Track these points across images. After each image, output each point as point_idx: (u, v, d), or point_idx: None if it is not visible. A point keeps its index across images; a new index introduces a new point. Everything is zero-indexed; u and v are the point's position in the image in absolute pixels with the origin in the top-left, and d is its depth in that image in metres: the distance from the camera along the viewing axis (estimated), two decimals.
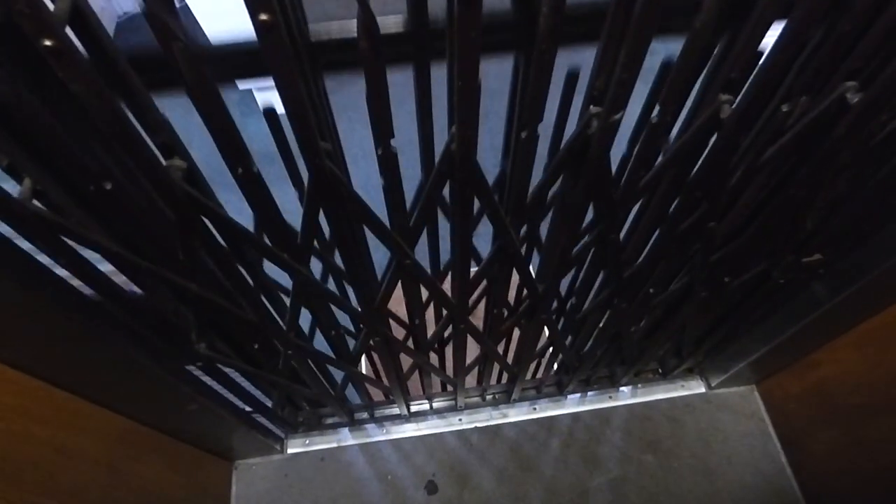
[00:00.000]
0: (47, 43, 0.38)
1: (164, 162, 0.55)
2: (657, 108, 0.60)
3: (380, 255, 0.77)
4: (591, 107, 0.59)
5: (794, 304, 1.11)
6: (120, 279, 0.73)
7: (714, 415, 1.46)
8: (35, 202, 0.55)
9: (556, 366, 1.43)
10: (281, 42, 0.40)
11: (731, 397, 1.49)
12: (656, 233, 0.84)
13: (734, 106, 0.62)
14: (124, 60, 0.46)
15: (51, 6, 0.38)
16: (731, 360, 1.38)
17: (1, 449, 0.67)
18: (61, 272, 0.64)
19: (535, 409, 1.48)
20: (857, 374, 1.13)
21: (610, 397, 1.49)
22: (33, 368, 0.70)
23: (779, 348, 1.22)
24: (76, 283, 0.66)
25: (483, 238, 0.81)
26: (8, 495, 0.67)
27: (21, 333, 0.64)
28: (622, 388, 1.51)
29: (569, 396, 1.50)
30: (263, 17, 0.39)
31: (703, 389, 1.50)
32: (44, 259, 0.62)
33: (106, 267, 0.70)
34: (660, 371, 1.51)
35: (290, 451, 1.44)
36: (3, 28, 0.40)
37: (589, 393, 1.50)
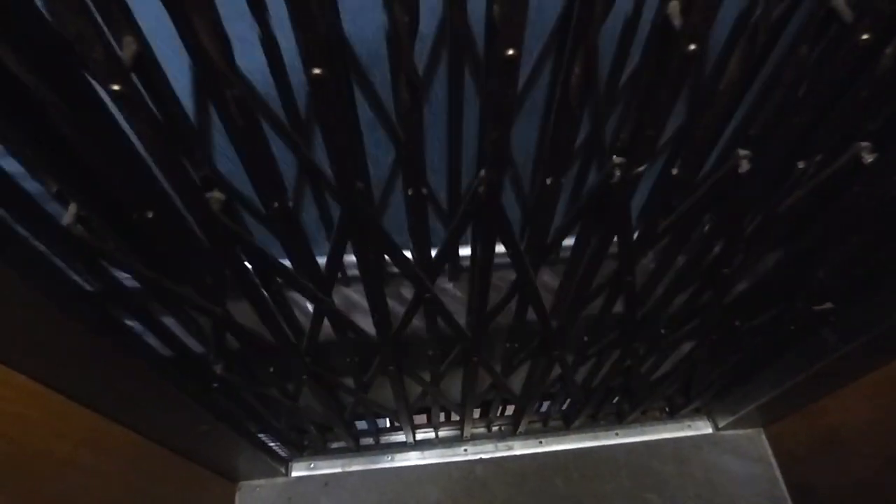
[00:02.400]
0: (115, 87, 0.40)
1: (205, 194, 0.58)
2: (678, 161, 0.62)
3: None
4: (615, 157, 0.61)
5: (805, 350, 1.12)
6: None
7: (721, 456, 1.46)
8: (79, 226, 0.58)
9: (563, 401, 1.43)
10: (331, 95, 0.43)
11: (738, 439, 1.48)
12: (671, 276, 0.86)
13: (751, 161, 0.64)
14: (179, 104, 0.49)
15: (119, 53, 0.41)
16: (740, 403, 1.38)
17: (23, 463, 0.68)
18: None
19: (540, 442, 1.48)
20: (867, 423, 1.13)
21: (616, 434, 1.49)
22: (57, 384, 0.72)
23: (788, 393, 1.22)
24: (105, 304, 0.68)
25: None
26: None
27: (51, 351, 0.66)
28: (629, 426, 1.51)
29: (575, 432, 1.50)
30: (317, 71, 0.41)
31: (710, 430, 1.50)
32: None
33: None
34: (667, 410, 1.51)
35: (294, 474, 1.43)
36: (70, 72, 0.43)
37: (595, 429, 1.50)
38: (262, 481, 1.42)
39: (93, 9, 0.37)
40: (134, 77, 0.42)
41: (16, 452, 0.67)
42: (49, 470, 0.73)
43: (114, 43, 0.40)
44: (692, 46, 0.46)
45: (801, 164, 0.66)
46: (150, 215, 0.56)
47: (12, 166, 0.52)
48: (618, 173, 0.61)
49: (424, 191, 0.59)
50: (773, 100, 0.60)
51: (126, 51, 0.43)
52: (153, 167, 0.55)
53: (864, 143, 0.64)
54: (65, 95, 0.43)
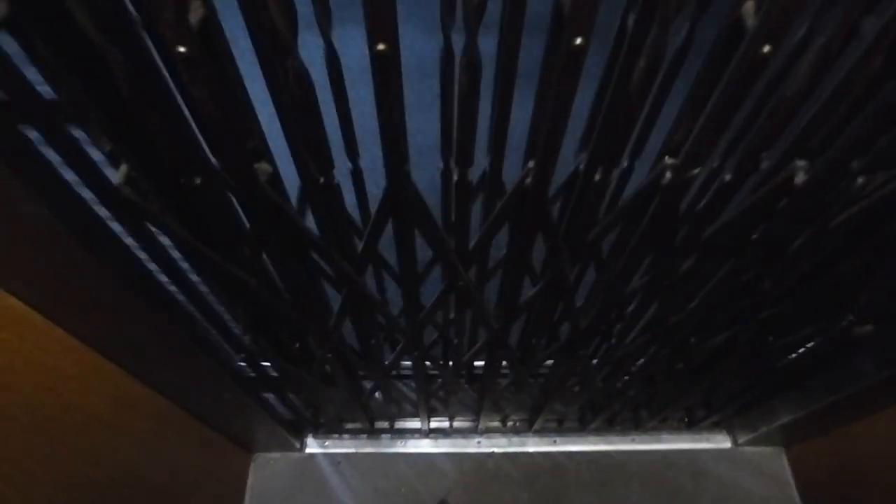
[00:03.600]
0: (182, 49, 0.40)
1: (252, 165, 0.58)
2: (733, 168, 0.60)
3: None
4: (667, 158, 0.60)
5: (837, 373, 1.09)
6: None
7: (738, 473, 1.43)
8: (128, 188, 0.58)
9: (582, 402, 1.42)
10: (397, 69, 0.42)
11: (757, 457, 1.45)
12: (709, 284, 0.84)
13: (809, 172, 0.62)
14: (238, 72, 0.49)
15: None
16: (762, 420, 1.35)
17: (54, 414, 0.70)
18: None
19: (555, 441, 1.47)
20: (894, 454, 1.10)
21: (632, 439, 1.48)
22: (96, 343, 0.73)
23: (814, 415, 1.19)
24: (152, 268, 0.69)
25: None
26: (60, 462, 0.70)
27: (94, 307, 0.67)
28: (645, 433, 1.49)
29: (591, 433, 1.48)
30: (381, 46, 0.41)
31: (728, 445, 1.47)
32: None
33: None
34: (686, 420, 1.49)
35: (308, 450, 1.45)
36: (136, 32, 0.43)
37: (611, 433, 1.48)
38: (276, 454, 1.44)
39: None
40: (199, 40, 0.42)
41: (51, 403, 0.68)
42: (79, 423, 0.75)
43: (184, 4, 0.40)
44: (766, 48, 0.44)
45: (860, 180, 0.64)
46: (197, 181, 0.57)
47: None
48: (669, 175, 0.59)
49: (471, 177, 0.58)
50: (838, 110, 0.58)
51: (193, 14, 0.43)
52: (202, 135, 0.56)
53: None
54: (129, 54, 0.44)
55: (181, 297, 0.76)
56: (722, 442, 1.47)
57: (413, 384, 1.19)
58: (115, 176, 0.58)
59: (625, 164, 0.63)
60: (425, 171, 0.68)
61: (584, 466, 1.44)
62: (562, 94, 0.47)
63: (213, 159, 0.56)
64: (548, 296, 0.84)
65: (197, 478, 1.15)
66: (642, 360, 1.09)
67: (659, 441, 1.47)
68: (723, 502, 1.39)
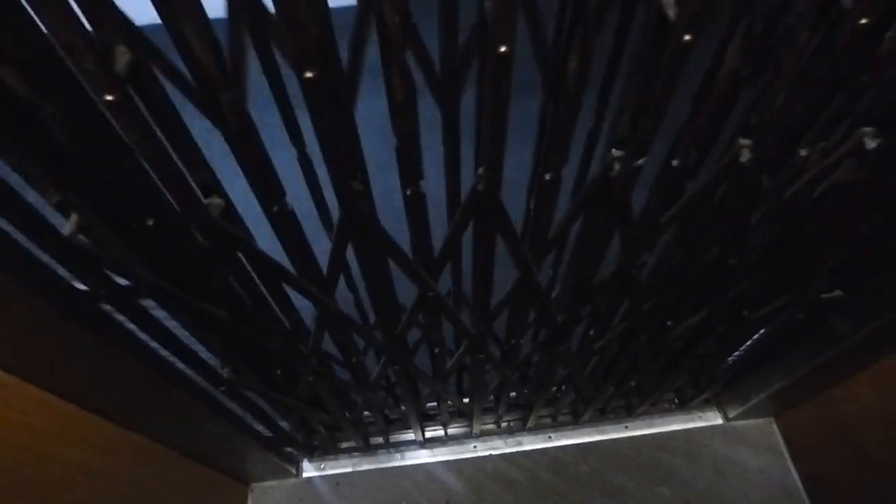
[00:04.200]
0: (109, 98, 0.40)
1: (203, 200, 0.58)
2: (679, 153, 0.62)
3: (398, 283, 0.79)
4: (614, 150, 0.61)
5: (815, 339, 1.11)
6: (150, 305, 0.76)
7: (731, 447, 1.45)
8: (80, 236, 0.58)
9: (572, 395, 1.43)
10: (324, 97, 0.43)
11: (749, 430, 1.47)
12: (676, 268, 0.85)
13: (753, 150, 0.63)
14: (175, 111, 0.49)
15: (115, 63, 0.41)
16: (750, 393, 1.37)
17: (34, 472, 0.69)
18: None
19: (550, 437, 1.48)
20: (878, 410, 1.12)
21: (626, 427, 1.49)
22: (68, 394, 0.72)
23: (798, 382, 1.21)
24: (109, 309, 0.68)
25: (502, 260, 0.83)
26: None
27: (62, 360, 0.67)
28: (638, 418, 1.50)
29: (584, 425, 1.49)
30: (308, 74, 0.41)
31: (720, 421, 1.49)
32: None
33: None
34: (676, 402, 1.51)
35: (305, 474, 1.44)
36: (66, 82, 0.43)
37: (604, 422, 1.49)
38: (273, 482, 1.42)
39: (82, 18, 0.37)
40: (129, 87, 0.42)
41: (30, 461, 0.67)
42: (60, 477, 0.74)
43: (107, 52, 0.40)
44: (687, 37, 0.45)
45: (803, 152, 0.65)
46: (150, 223, 0.57)
47: (11, 177, 0.53)
48: (617, 166, 0.60)
49: (423, 189, 0.58)
50: (772, 87, 0.59)
51: (119, 60, 0.43)
52: (152, 174, 0.55)
53: (867, 129, 0.64)
54: (62, 105, 0.43)
55: (148, 337, 0.75)
56: (714, 419, 1.49)
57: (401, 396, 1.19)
58: (66, 226, 0.57)
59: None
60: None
61: (581, 459, 1.44)
62: (497, 102, 0.47)
63: (162, 199, 0.56)
64: (521, 295, 0.85)
65: None
66: (623, 348, 1.10)
67: (652, 425, 1.48)
68: (719, 477, 1.41)
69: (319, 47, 0.42)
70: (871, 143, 0.64)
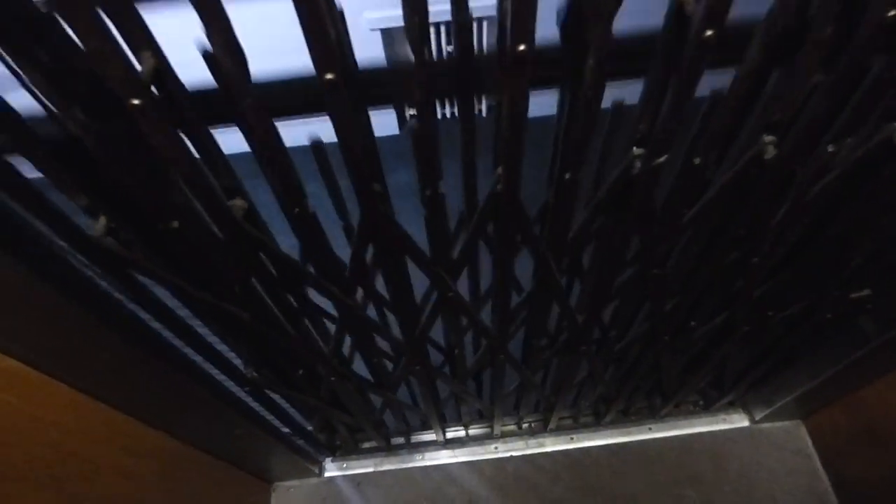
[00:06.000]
0: (135, 102, 0.41)
1: (227, 203, 0.59)
2: (701, 150, 0.61)
3: (417, 283, 0.80)
4: (635, 148, 0.60)
5: (842, 340, 1.09)
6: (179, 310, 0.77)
7: (758, 450, 1.42)
8: (109, 238, 0.59)
9: (594, 396, 1.42)
10: (343, 99, 0.43)
11: (776, 432, 1.44)
12: (700, 267, 0.84)
13: (778, 147, 0.62)
14: (198, 116, 0.50)
15: (139, 68, 0.42)
16: (776, 394, 1.34)
17: (65, 470, 0.71)
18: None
19: (572, 438, 1.47)
20: None
21: (650, 429, 1.47)
22: (96, 392, 0.74)
23: (826, 383, 1.19)
24: (140, 313, 0.70)
25: (522, 261, 0.83)
26: None
27: (91, 361, 0.68)
28: (662, 420, 1.48)
29: (607, 427, 1.48)
30: (329, 76, 0.42)
31: (746, 423, 1.46)
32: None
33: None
34: (701, 403, 1.48)
35: (327, 474, 1.45)
36: (95, 88, 0.44)
37: (628, 424, 1.48)
38: (296, 482, 1.44)
39: (110, 24, 0.38)
40: (153, 90, 0.43)
41: (57, 458, 0.69)
42: (87, 474, 0.75)
43: (132, 58, 0.41)
44: (708, 32, 0.45)
45: (830, 148, 0.64)
46: (175, 225, 0.58)
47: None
48: (638, 164, 0.60)
49: (442, 191, 0.59)
50: (797, 83, 0.58)
51: (144, 66, 0.44)
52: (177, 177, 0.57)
53: None
54: (90, 111, 0.45)
55: (175, 339, 0.77)
56: (739, 421, 1.47)
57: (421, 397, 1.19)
58: (95, 228, 0.59)
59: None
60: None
61: (604, 460, 1.43)
62: (514, 100, 0.47)
63: (186, 202, 0.57)
64: (540, 297, 0.85)
65: None
66: (646, 349, 1.09)
67: (676, 427, 1.46)
68: (745, 480, 1.38)
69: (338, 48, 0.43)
70: None
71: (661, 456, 1.43)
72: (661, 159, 0.57)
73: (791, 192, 0.70)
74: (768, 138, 0.62)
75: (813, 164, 0.66)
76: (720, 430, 1.46)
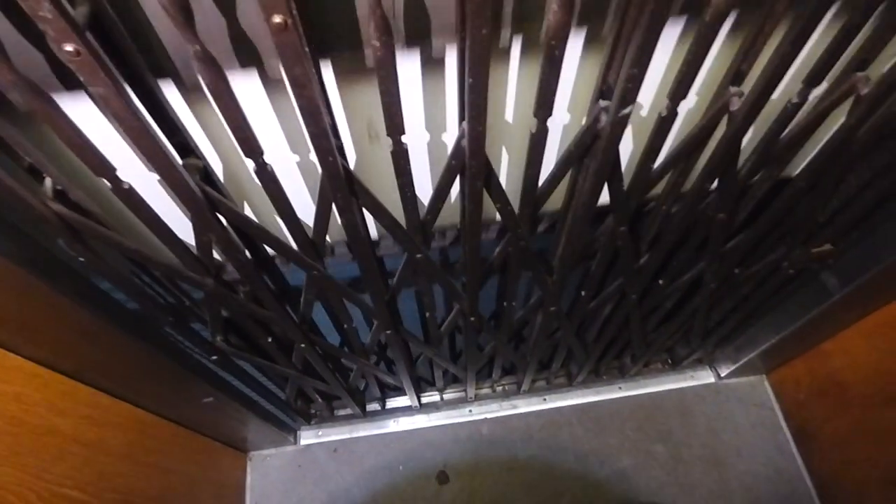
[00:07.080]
0: (68, 48, 0.39)
1: (180, 161, 0.56)
2: (667, 102, 0.60)
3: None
4: (601, 101, 0.59)
5: (805, 295, 1.11)
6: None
7: (724, 405, 1.47)
8: (58, 203, 0.57)
9: (565, 356, 1.44)
10: (295, 44, 0.41)
11: (740, 387, 1.49)
12: (667, 224, 0.84)
13: (743, 98, 0.62)
14: (142, 63, 0.47)
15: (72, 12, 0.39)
16: (741, 350, 1.38)
17: (27, 443, 0.69)
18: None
19: (544, 399, 1.49)
20: (868, 364, 1.13)
21: (619, 388, 1.50)
22: (57, 364, 0.72)
23: (789, 338, 1.22)
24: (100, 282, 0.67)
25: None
26: (35, 487, 0.69)
27: (49, 331, 0.66)
28: (631, 379, 1.52)
29: (579, 387, 1.51)
30: (277, 19, 0.39)
31: (712, 380, 1.51)
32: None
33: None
34: (669, 361, 1.52)
35: (303, 442, 1.46)
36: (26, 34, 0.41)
37: (599, 384, 1.51)
38: (272, 450, 1.44)
39: None
40: (90, 36, 0.40)
41: (18, 431, 0.67)
42: (53, 448, 0.74)
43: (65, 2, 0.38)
44: None
45: (795, 99, 0.64)
46: (125, 186, 0.55)
47: None
48: (604, 117, 0.59)
49: (404, 144, 0.57)
50: (763, 33, 0.57)
51: (79, 9, 0.41)
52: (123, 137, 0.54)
53: (861, 74, 0.62)
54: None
55: (136, 307, 0.75)
56: (706, 378, 1.51)
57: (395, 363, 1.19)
58: (40, 192, 0.56)
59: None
60: None
61: (576, 418, 1.46)
62: (477, 49, 0.46)
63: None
64: (511, 256, 0.84)
65: (192, 485, 1.15)
66: (615, 307, 1.10)
67: (646, 385, 1.50)
68: (712, 434, 1.43)
69: None
70: (864, 89, 0.62)
71: (631, 414, 1.47)
72: (627, 110, 0.56)
73: (756, 144, 0.70)
74: (734, 89, 0.61)
75: (779, 117, 0.66)
76: (688, 387, 1.50)
